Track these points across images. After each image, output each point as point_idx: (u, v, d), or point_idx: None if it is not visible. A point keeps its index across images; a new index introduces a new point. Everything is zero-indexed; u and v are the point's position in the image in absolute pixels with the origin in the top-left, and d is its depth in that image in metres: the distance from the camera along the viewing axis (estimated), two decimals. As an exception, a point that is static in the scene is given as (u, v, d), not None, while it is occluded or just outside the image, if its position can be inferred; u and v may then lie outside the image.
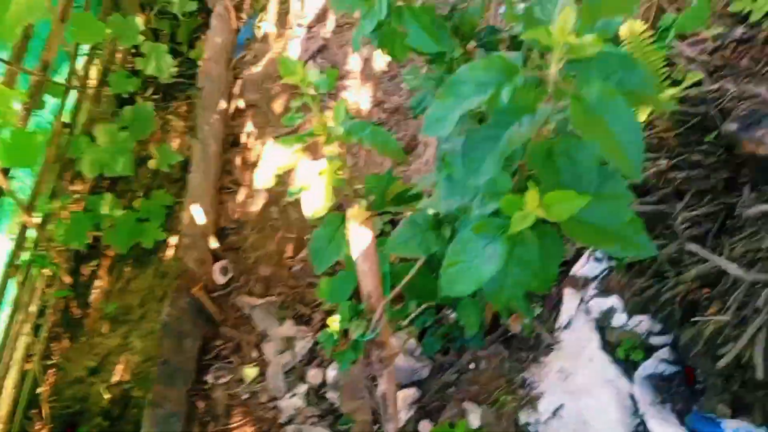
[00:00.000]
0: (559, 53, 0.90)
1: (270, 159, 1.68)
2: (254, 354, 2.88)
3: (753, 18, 2.46)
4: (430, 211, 1.65)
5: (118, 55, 3.58)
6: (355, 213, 1.58)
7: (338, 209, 1.81)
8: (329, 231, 1.80)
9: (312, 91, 1.67)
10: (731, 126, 2.09)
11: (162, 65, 3.33)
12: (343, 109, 1.72)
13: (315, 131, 1.72)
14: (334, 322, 1.82)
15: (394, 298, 1.83)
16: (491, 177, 0.95)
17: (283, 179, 3.54)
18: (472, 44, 1.90)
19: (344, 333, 1.91)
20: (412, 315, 2.36)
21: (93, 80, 3.28)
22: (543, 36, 0.88)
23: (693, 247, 2.06)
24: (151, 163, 3.07)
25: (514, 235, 1.05)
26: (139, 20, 3.21)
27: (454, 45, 1.68)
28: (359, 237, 1.57)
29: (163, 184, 3.29)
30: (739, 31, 2.56)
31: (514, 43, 1.97)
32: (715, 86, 2.35)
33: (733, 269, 1.95)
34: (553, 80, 0.96)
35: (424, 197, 1.81)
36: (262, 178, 1.67)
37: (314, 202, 1.65)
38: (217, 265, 3.08)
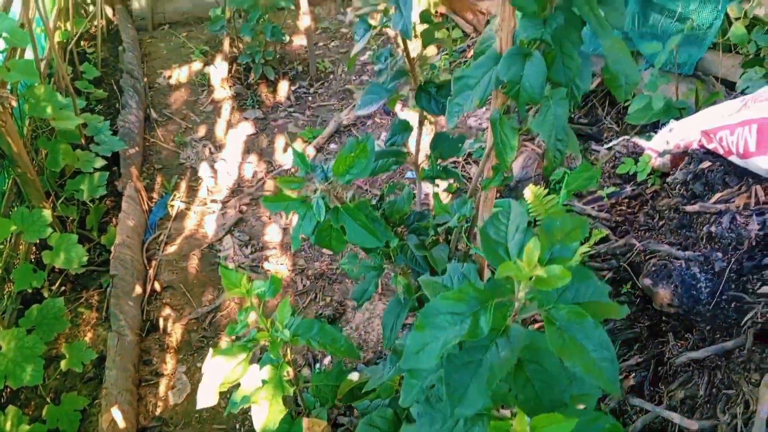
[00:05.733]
0: (526, 283, 0.95)
1: (211, 373, 1.59)
2: None
3: (639, 177, 2.75)
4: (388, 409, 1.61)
5: (21, 248, 3.40)
6: (311, 424, 1.50)
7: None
8: (280, 438, 1.70)
9: (255, 300, 1.64)
10: (646, 281, 2.25)
11: (72, 256, 3.18)
12: (287, 310, 1.69)
13: (259, 337, 1.67)
14: None
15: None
16: (481, 407, 0.95)
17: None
18: (401, 230, 1.98)
19: None
20: None
21: (-7, 279, 3.06)
22: (513, 271, 0.92)
23: (636, 401, 2.11)
24: (63, 364, 2.82)
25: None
26: (47, 212, 3.09)
27: (391, 237, 1.74)
28: (321, 451, 1.48)
29: (75, 384, 3.01)
30: (628, 189, 2.85)
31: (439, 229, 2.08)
32: (622, 242, 2.55)
33: (678, 419, 2.00)
34: (520, 304, 1.00)
35: (378, 392, 1.76)
36: (205, 397, 1.56)
37: (264, 415, 1.56)
38: (141, 473, 2.78)
